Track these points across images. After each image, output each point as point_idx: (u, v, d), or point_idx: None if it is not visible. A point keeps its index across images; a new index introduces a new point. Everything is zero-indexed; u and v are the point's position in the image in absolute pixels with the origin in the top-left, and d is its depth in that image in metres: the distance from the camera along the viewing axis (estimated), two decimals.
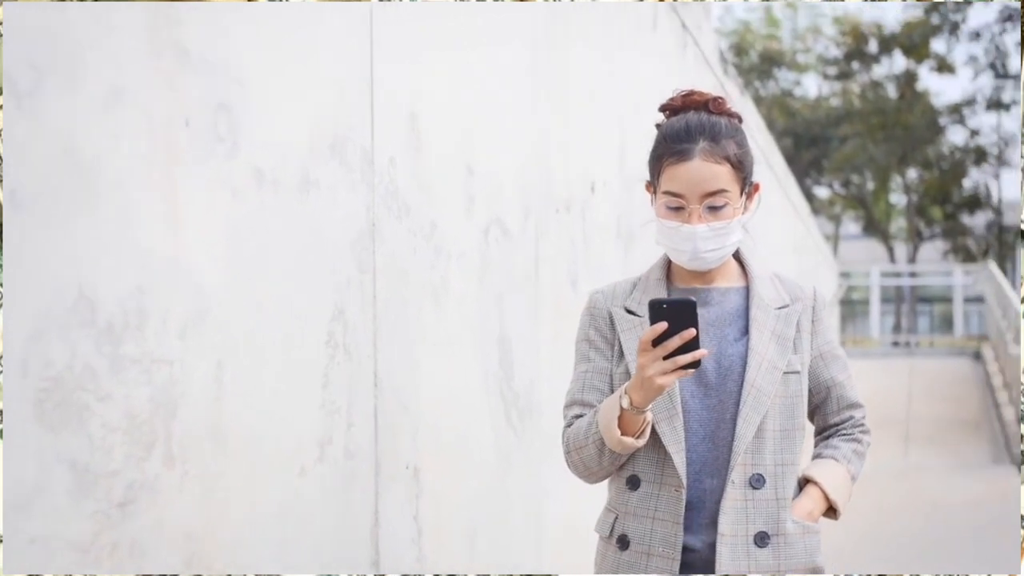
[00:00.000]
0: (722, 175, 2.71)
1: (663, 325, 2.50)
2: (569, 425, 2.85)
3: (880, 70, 42.61)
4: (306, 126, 2.72)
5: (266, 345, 2.55)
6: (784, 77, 44.54)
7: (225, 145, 2.40)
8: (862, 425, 3.00)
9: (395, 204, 3.14)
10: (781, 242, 15.32)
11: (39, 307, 1.91)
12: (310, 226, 2.73)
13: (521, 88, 4.12)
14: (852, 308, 39.30)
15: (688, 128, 2.74)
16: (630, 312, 2.86)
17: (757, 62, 42.56)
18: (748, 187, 2.82)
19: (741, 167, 2.76)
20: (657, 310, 2.52)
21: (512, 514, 4.03)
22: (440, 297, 3.43)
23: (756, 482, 2.75)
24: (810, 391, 2.92)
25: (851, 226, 49.64)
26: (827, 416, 2.98)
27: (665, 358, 2.52)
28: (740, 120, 2.86)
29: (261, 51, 2.54)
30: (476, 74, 3.73)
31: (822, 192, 45.03)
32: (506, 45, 3.99)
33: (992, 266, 27.15)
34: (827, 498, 2.85)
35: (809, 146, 41.78)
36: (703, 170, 2.70)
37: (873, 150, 40.37)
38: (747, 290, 2.88)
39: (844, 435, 2.97)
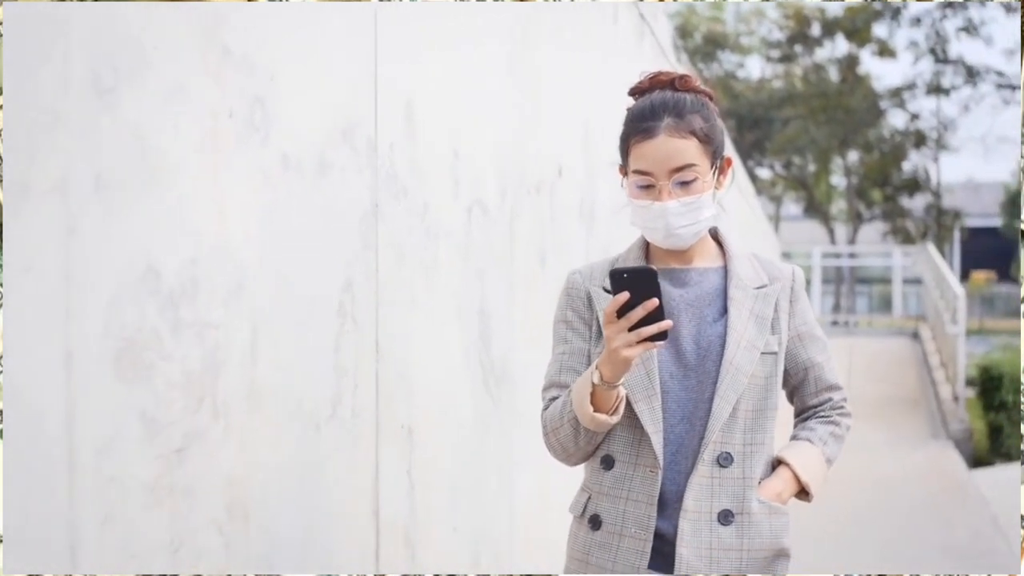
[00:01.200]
0: (689, 149, 2.71)
1: (625, 295, 2.51)
2: (546, 408, 2.88)
3: (823, 53, 43.14)
4: (322, 116, 3.01)
5: (289, 313, 2.84)
6: (727, 59, 44.94)
7: (260, 134, 2.69)
8: (841, 408, 3.00)
9: (394, 186, 3.43)
10: (727, 222, 15.66)
11: (116, 276, 2.20)
12: (325, 206, 3.02)
13: (500, 81, 4.42)
14: None
15: (652, 106, 2.76)
16: (608, 291, 2.80)
17: (701, 44, 42.90)
18: (719, 161, 2.82)
19: (709, 141, 2.76)
20: (618, 279, 2.52)
21: (487, 476, 4.33)
22: (431, 272, 3.73)
23: (724, 460, 2.75)
24: (788, 372, 2.94)
25: (792, 207, 50.09)
26: (805, 398, 3.00)
27: (630, 330, 2.53)
28: (710, 97, 2.87)
29: (288, 50, 2.83)
30: (462, 69, 4.02)
31: (764, 173, 45.46)
32: (487, 43, 4.28)
33: (931, 248, 27.62)
34: (798, 480, 2.86)
35: (752, 128, 42.17)
36: (669, 145, 2.70)
37: (815, 132, 40.83)
38: (725, 270, 2.88)
39: (821, 417, 2.98)
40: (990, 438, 16.28)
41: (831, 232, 44.89)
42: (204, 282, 2.47)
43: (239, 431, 2.61)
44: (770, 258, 3.01)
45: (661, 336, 2.53)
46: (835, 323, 33.13)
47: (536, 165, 4.89)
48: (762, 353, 2.80)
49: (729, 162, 2.88)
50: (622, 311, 2.52)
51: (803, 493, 2.90)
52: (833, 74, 42.36)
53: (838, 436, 2.98)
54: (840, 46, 42.32)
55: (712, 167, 2.78)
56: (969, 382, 18.31)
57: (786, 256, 32.83)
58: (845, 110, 40.37)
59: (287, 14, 2.83)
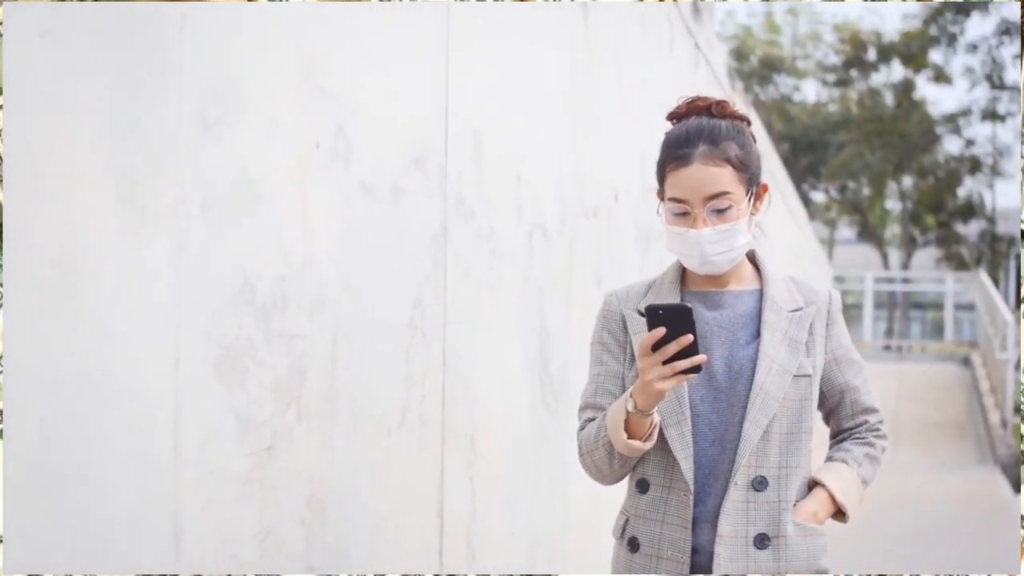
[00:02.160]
0: (723, 177, 2.71)
1: (661, 331, 2.52)
2: (582, 428, 2.89)
3: (878, 78, 42.98)
4: (397, 145, 3.26)
5: (366, 326, 3.09)
6: (783, 82, 44.86)
7: (342, 162, 2.94)
8: (877, 430, 3.00)
9: (462, 210, 3.68)
10: (779, 248, 15.83)
11: (218, 290, 2.45)
12: (399, 228, 3.27)
13: (560, 110, 4.66)
14: (846, 312, 39.35)
15: (688, 133, 2.75)
16: (643, 315, 2.78)
17: (757, 67, 42.93)
18: (755, 188, 2.82)
19: (744, 168, 2.75)
20: (654, 315, 2.54)
21: (544, 483, 4.57)
22: (495, 292, 3.97)
23: (759, 484, 2.76)
24: (824, 395, 2.93)
25: (846, 231, 49.91)
26: (841, 420, 3.00)
27: (665, 363, 2.54)
28: (748, 123, 2.87)
29: (368, 86, 3.09)
30: (525, 100, 4.27)
31: (818, 197, 45.35)
32: (547, 75, 4.53)
33: (983, 275, 27.63)
34: (834, 500, 2.85)
35: (806, 151, 42.09)
36: (703, 173, 2.70)
37: (869, 157, 40.72)
38: (761, 293, 2.87)
39: (857, 439, 2.97)
40: None
41: (885, 257, 44.76)
42: (292, 296, 2.72)
43: (319, 432, 2.86)
44: (807, 281, 3.01)
45: (695, 369, 2.55)
46: (887, 348, 33.09)
47: (594, 190, 5.12)
48: (795, 376, 2.79)
49: (766, 188, 2.89)
50: (657, 345, 2.54)
51: (839, 514, 2.89)
52: (889, 99, 42.23)
53: (874, 457, 2.97)
54: (896, 71, 42.23)
55: (748, 193, 2.78)
56: (1017, 410, 18.40)
57: (839, 280, 32.87)
58: (900, 135, 40.27)
59: (368, 53, 3.08)
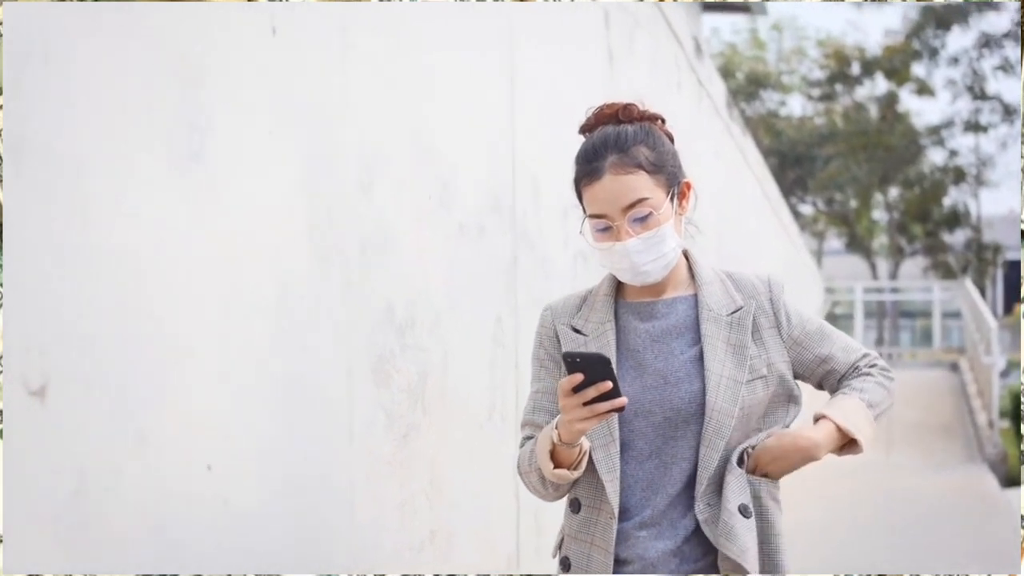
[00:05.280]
0: (638, 184, 2.61)
1: (579, 377, 2.43)
2: (521, 446, 2.85)
3: (862, 92, 43.53)
4: (480, 194, 4.02)
5: (464, 341, 3.85)
6: (769, 98, 45.40)
7: (446, 209, 3.70)
8: (873, 364, 2.87)
9: (525, 243, 4.44)
10: (772, 261, 16.57)
11: (371, 313, 3.21)
12: (485, 260, 4.03)
13: None
14: (836, 323, 39.95)
15: (595, 146, 2.68)
16: (576, 331, 2.80)
17: (743, 83, 43.55)
18: (676, 187, 2.70)
19: (658, 169, 2.65)
20: (571, 364, 2.45)
21: None
22: None
23: (744, 511, 2.65)
24: (806, 374, 2.84)
25: (834, 242, 50.37)
26: (834, 383, 2.87)
27: (585, 404, 2.45)
28: (661, 121, 2.79)
29: (461, 147, 3.85)
30: (566, 141, 5.03)
31: (806, 209, 45.83)
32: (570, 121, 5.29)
33: (968, 283, 28.36)
34: (839, 430, 2.70)
35: (794, 165, 42.50)
36: (616, 184, 2.61)
37: (856, 169, 41.30)
38: (696, 298, 2.77)
39: (853, 377, 2.85)
40: (1022, 461, 17.15)
41: (873, 267, 45.31)
42: (418, 317, 3.48)
43: (437, 425, 3.61)
44: (744, 273, 2.88)
45: (617, 410, 2.47)
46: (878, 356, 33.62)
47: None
48: (748, 382, 2.69)
49: (688, 185, 2.76)
50: (578, 387, 2.45)
51: (851, 445, 2.74)
52: (873, 112, 42.79)
53: (880, 383, 2.83)
54: (880, 85, 42.82)
55: (668, 194, 2.67)
56: (1003, 414, 19.13)
57: (829, 291, 33.42)
58: (885, 147, 40.87)
59: (463, 120, 3.86)
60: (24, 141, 1.98)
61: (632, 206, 2.61)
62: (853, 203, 44.82)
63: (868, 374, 2.84)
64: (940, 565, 9.16)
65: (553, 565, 2.89)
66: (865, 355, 2.88)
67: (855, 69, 42.56)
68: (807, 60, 44.98)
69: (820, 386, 2.91)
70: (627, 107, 2.76)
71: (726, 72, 42.21)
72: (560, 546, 2.84)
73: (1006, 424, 19.15)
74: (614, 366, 2.49)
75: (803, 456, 2.68)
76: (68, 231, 2.08)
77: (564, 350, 2.64)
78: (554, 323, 2.86)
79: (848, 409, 2.74)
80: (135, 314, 2.23)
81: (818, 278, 30.88)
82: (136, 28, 2.27)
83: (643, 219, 2.62)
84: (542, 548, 4.41)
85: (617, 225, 2.62)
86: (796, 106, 50.29)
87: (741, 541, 2.62)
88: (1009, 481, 15.67)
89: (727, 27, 45.89)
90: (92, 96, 2.15)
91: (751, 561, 2.62)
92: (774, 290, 2.81)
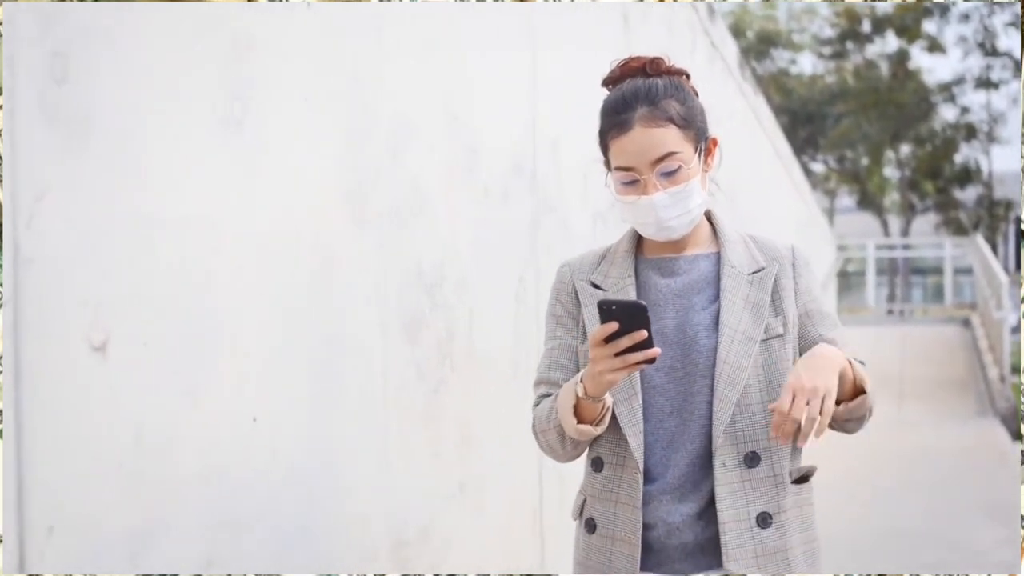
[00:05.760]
0: (668, 137, 2.55)
1: (613, 326, 2.38)
2: (537, 404, 2.79)
3: (873, 49, 43.60)
4: (504, 157, 4.17)
5: (488, 300, 4.00)
6: (780, 56, 45.43)
7: (473, 175, 3.85)
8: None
9: (546, 205, 4.58)
10: (784, 220, 16.68)
11: (402, 275, 3.36)
12: (508, 222, 4.18)
13: None
14: (848, 280, 39.80)
15: (624, 97, 2.62)
16: (595, 286, 2.74)
17: (754, 42, 43.52)
18: (703, 143, 2.65)
19: (688, 124, 2.59)
20: (607, 312, 2.40)
21: None
22: None
23: (751, 460, 2.60)
24: (800, 352, 2.70)
25: (846, 200, 50.34)
26: None
27: (616, 355, 2.40)
28: (687, 76, 2.73)
29: (486, 116, 3.99)
30: (582, 105, 5.16)
31: (818, 167, 45.80)
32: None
33: (979, 239, 28.36)
34: (851, 365, 2.56)
35: (805, 123, 42.58)
36: (646, 137, 2.55)
37: (867, 127, 41.40)
38: (718, 256, 2.72)
39: None
40: None
41: (885, 224, 45.35)
42: (447, 276, 3.63)
43: (464, 380, 3.77)
44: (769, 237, 2.83)
45: (648, 361, 2.41)
46: (890, 312, 33.63)
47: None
48: (763, 340, 2.64)
49: (715, 142, 2.71)
50: (610, 338, 2.40)
51: (858, 395, 2.61)
52: (884, 70, 42.85)
53: (864, 370, 2.66)
54: (890, 42, 42.82)
55: (696, 150, 2.61)
56: (1015, 369, 19.25)
57: (841, 249, 33.50)
58: (896, 105, 40.92)
59: (487, 91, 4.00)
60: (89, 118, 2.12)
61: (661, 160, 2.54)
62: (864, 161, 44.86)
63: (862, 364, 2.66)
64: (964, 528, 9.29)
65: (571, 525, 2.85)
66: (861, 363, 2.68)
67: (866, 27, 42.59)
68: (818, 18, 44.97)
69: None
70: (655, 60, 2.68)
71: (737, 31, 42.13)
72: (582, 508, 2.77)
73: (1017, 379, 19.29)
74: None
75: (833, 361, 2.48)
76: (125, 199, 2.23)
77: (598, 300, 2.47)
78: (572, 279, 2.79)
79: (859, 366, 2.61)
80: (186, 276, 2.40)
81: (830, 236, 30.91)
82: (185, 7, 2.41)
83: (671, 173, 2.55)
84: (565, 500, 4.57)
85: (644, 179, 2.55)
86: (807, 64, 50.41)
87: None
88: (1019, 435, 15.85)
89: None
90: (147, 74, 2.29)
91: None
92: (798, 258, 2.75)
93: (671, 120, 2.55)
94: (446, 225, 3.65)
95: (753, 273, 2.68)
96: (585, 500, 2.75)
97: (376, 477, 3.22)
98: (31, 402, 1.98)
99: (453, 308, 3.68)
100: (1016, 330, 19.88)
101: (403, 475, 3.36)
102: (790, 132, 38.25)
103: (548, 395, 2.74)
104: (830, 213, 44.38)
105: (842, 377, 2.51)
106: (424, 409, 3.49)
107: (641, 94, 2.59)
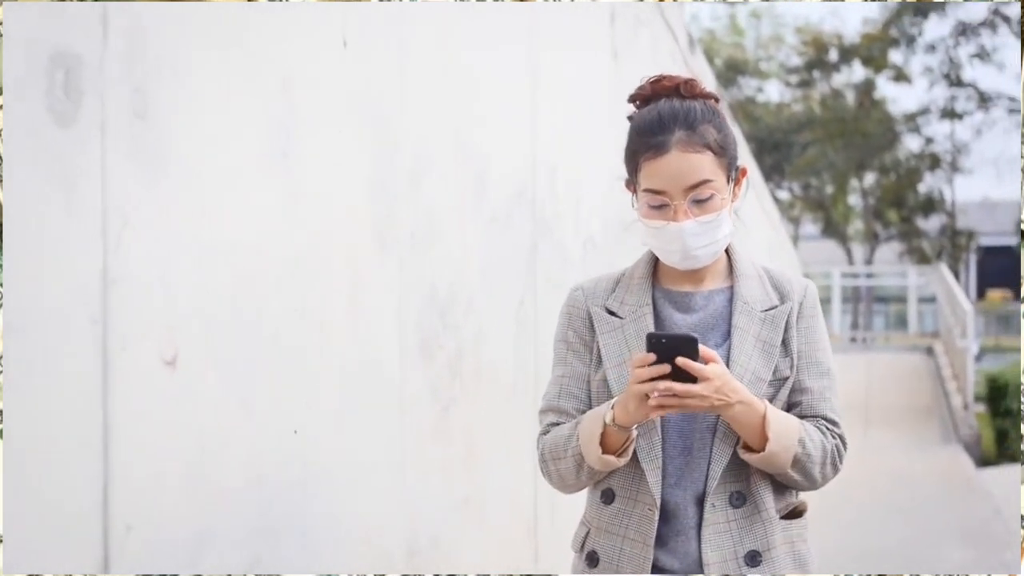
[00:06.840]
0: (704, 164, 2.48)
1: (665, 368, 2.36)
2: (545, 432, 2.70)
3: (840, 79, 43.94)
4: (507, 185, 4.35)
5: (493, 320, 4.18)
6: (747, 84, 45.76)
7: (482, 201, 4.03)
8: (837, 436, 2.64)
9: (544, 230, 4.77)
10: (756, 247, 16.91)
11: (419, 297, 3.54)
12: (512, 246, 4.37)
13: (603, 141, 5.77)
14: None
15: (661, 118, 2.52)
16: (611, 313, 2.68)
17: (722, 69, 43.72)
18: (734, 173, 2.60)
19: (724, 152, 2.53)
20: (655, 345, 2.36)
21: None
22: (564, 290, 5.05)
23: (736, 500, 2.56)
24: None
25: (810, 227, 50.63)
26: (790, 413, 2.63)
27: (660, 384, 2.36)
28: (717, 101, 2.63)
29: (494, 144, 4.18)
30: (578, 135, 5.37)
31: (783, 195, 45.99)
32: (594, 116, 5.63)
33: (943, 268, 28.71)
34: (763, 420, 2.49)
35: (771, 151, 42.72)
36: (683, 161, 2.47)
37: (832, 155, 41.72)
38: (732, 291, 2.66)
39: (811, 423, 2.61)
40: (996, 442, 17.64)
41: (848, 252, 45.60)
42: (457, 299, 3.81)
43: (472, 395, 3.95)
44: (785, 272, 2.79)
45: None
46: (853, 340, 33.88)
47: (631, 210, 6.21)
48: (771, 381, 2.58)
49: (744, 172, 2.66)
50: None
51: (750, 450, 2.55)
52: (850, 99, 43.15)
53: (825, 446, 2.60)
54: (857, 72, 43.17)
55: (728, 179, 2.57)
56: (978, 398, 19.55)
57: (805, 276, 33.60)
58: (862, 134, 41.18)
59: (497, 119, 4.19)
60: (158, 154, 2.28)
61: (696, 187, 2.48)
62: (829, 189, 45.24)
63: (824, 432, 2.62)
64: (934, 551, 9.49)
65: (567, 552, 2.85)
66: (836, 423, 2.65)
67: (833, 56, 42.91)
68: (785, 47, 45.40)
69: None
70: (689, 82, 2.58)
71: (706, 58, 42.19)
72: (584, 541, 2.71)
73: (980, 408, 19.59)
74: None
75: (728, 390, 2.44)
76: (193, 226, 2.39)
77: (647, 333, 2.42)
78: (587, 304, 2.73)
79: (783, 419, 2.55)
80: (241, 298, 2.58)
81: (796, 263, 31.20)
82: (235, 40, 2.58)
83: (703, 201, 2.50)
84: (556, 514, 4.75)
85: (676, 204, 2.49)
86: (774, 92, 50.58)
87: None
88: (983, 462, 16.13)
89: (706, 14, 46.21)
90: (210, 111, 2.46)
91: None
92: (808, 297, 2.71)
93: (708, 147, 2.50)
94: (458, 249, 3.83)
95: (766, 311, 2.63)
96: (588, 532, 2.70)
97: (393, 490, 3.39)
98: (115, 411, 2.15)
99: (461, 329, 3.86)
100: (978, 358, 20.22)
101: (416, 487, 3.53)
102: (756, 159, 38.42)
103: (557, 423, 2.68)
104: (794, 240, 44.60)
105: (747, 425, 2.49)
106: (435, 425, 3.66)
107: (680, 117, 2.51)
